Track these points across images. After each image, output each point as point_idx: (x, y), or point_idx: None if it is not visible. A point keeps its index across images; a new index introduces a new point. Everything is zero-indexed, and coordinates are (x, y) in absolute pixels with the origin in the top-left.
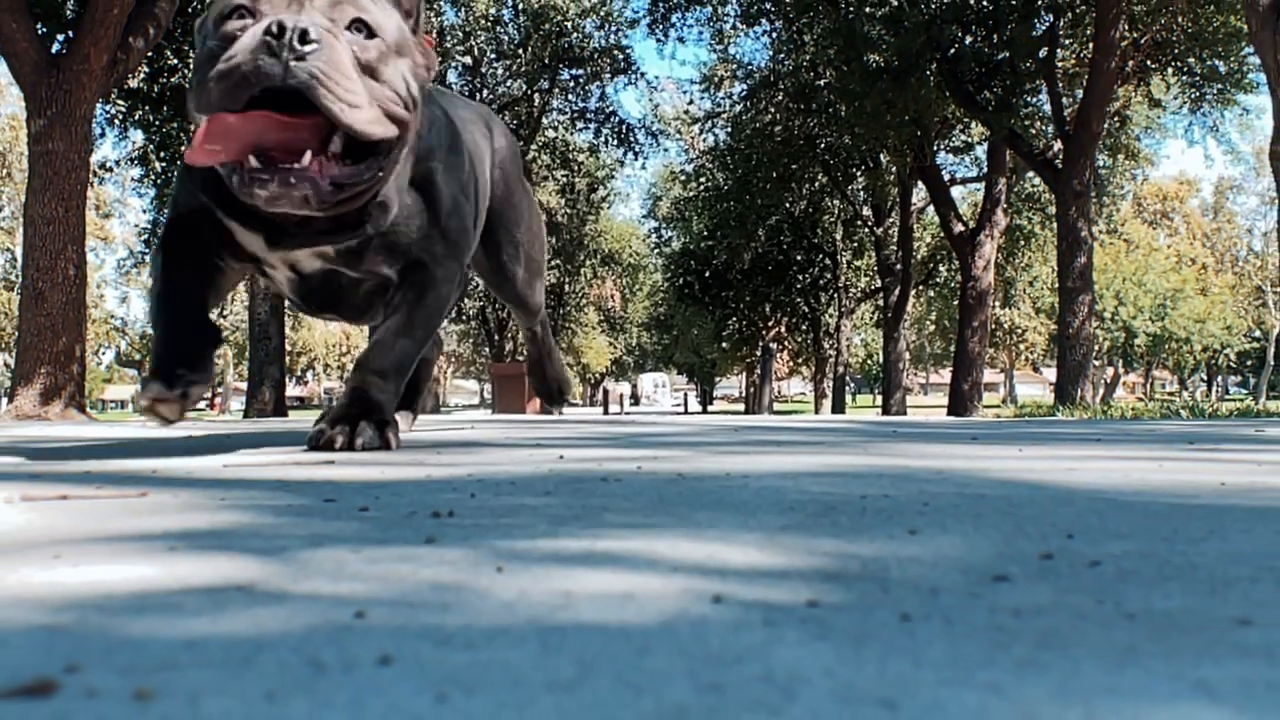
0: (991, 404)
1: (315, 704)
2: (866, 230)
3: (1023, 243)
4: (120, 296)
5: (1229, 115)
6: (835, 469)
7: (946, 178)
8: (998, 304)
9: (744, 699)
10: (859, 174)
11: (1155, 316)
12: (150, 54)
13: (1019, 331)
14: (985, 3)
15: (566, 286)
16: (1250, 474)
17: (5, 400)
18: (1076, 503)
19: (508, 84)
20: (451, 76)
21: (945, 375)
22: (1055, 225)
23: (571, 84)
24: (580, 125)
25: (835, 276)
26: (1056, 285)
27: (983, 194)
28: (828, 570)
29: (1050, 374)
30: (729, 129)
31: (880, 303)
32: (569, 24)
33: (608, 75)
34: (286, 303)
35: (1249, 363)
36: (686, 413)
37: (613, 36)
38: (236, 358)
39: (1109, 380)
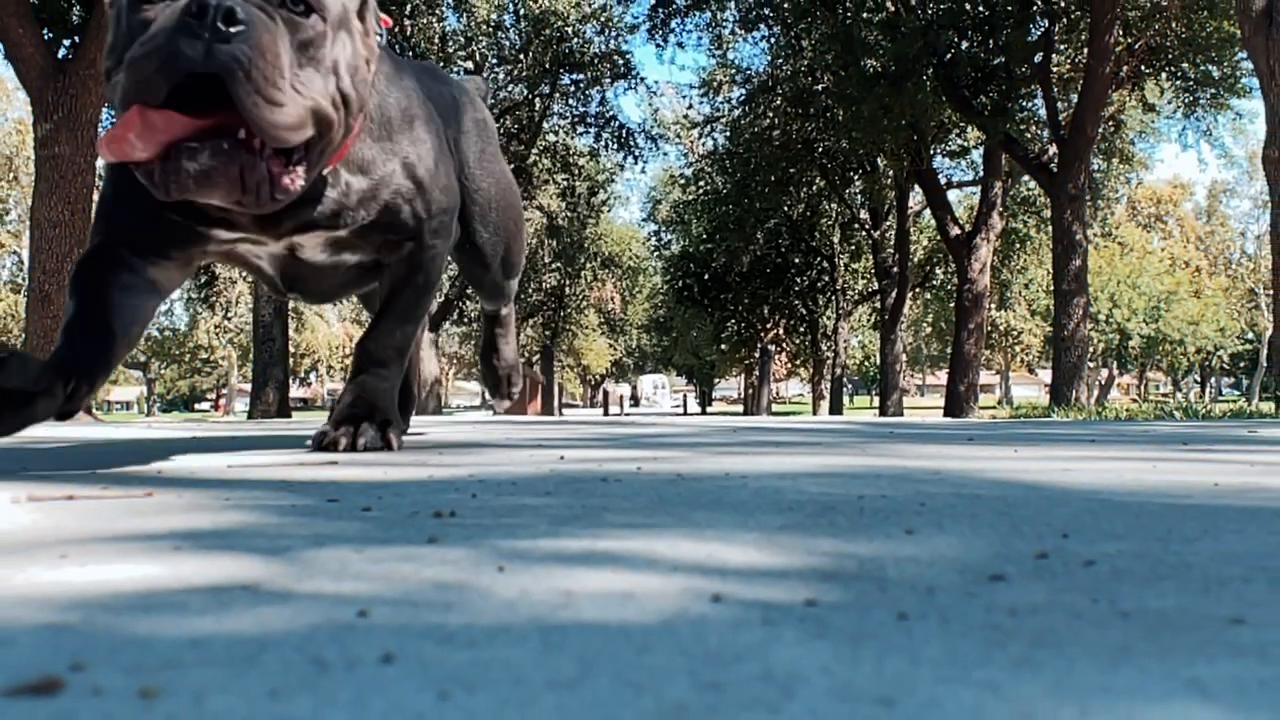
0: (987, 405)
1: (318, 702)
2: (864, 233)
3: (1018, 246)
4: None
5: (1222, 119)
6: (833, 469)
7: (943, 181)
8: (994, 306)
9: (743, 697)
10: (856, 178)
11: (1149, 319)
12: None
13: (1014, 333)
14: (981, 8)
15: (567, 289)
16: (1243, 475)
17: None
18: (1071, 503)
19: (509, 89)
20: None
21: (941, 377)
22: (1050, 228)
23: (572, 89)
24: (581, 130)
25: (833, 279)
26: (1052, 288)
27: (979, 197)
28: (826, 570)
29: (1045, 375)
30: (728, 133)
31: (877, 305)
32: (569, 30)
33: (608, 80)
34: (290, 304)
35: (1242, 364)
36: (686, 414)
37: (613, 42)
38: (241, 359)
39: (1104, 382)
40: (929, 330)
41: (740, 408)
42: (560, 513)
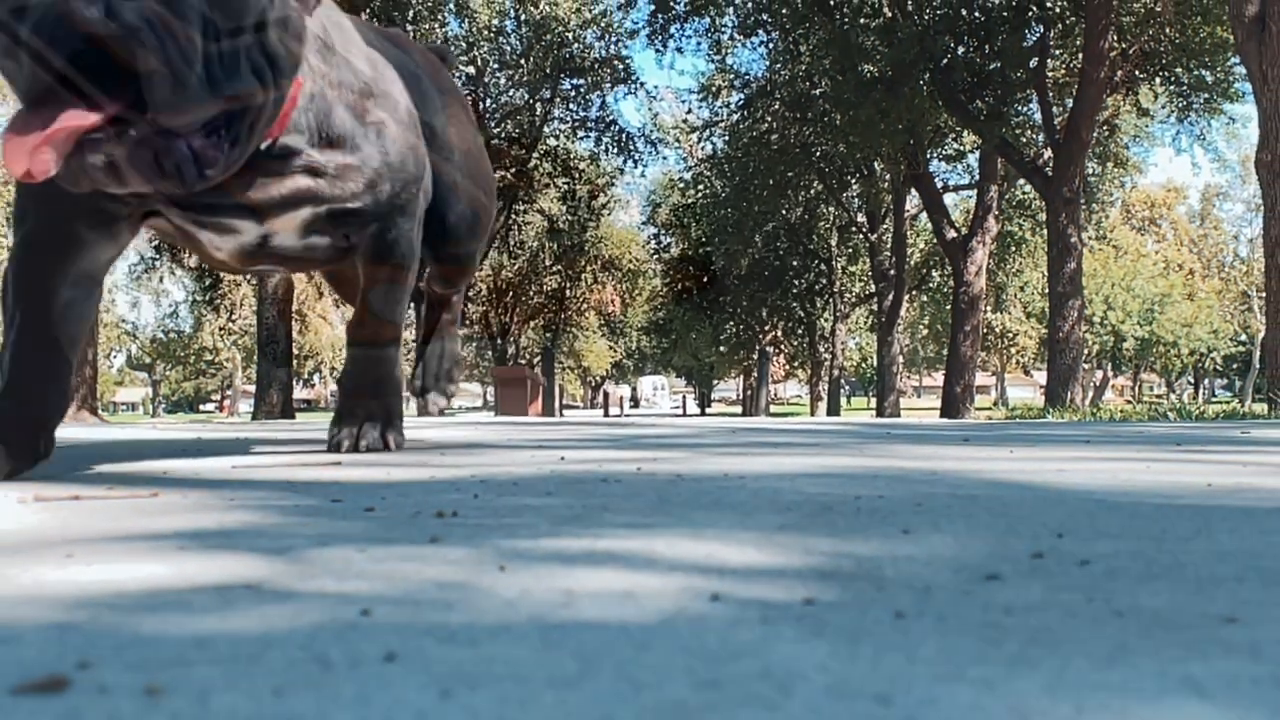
0: (983, 406)
1: (322, 700)
2: (861, 236)
3: (1014, 249)
4: (131, 301)
5: (1216, 124)
6: (831, 470)
7: (939, 185)
8: (989, 308)
9: (742, 695)
10: (854, 181)
11: (1143, 321)
12: None
13: (1010, 335)
14: (977, 14)
15: (568, 291)
16: (1236, 475)
17: None
18: (1067, 503)
19: (510, 93)
20: None
21: (938, 378)
22: (1045, 231)
23: (572, 93)
24: (581, 134)
25: (830, 282)
26: (1047, 290)
27: (975, 201)
28: (824, 569)
29: (1040, 377)
30: (726, 137)
31: (874, 307)
32: (570, 35)
33: (608, 85)
34: (293, 306)
35: (1235, 366)
36: (685, 415)
37: (613, 47)
38: (245, 361)
39: (1098, 383)
40: (925, 332)
41: (739, 409)
42: (561, 513)
